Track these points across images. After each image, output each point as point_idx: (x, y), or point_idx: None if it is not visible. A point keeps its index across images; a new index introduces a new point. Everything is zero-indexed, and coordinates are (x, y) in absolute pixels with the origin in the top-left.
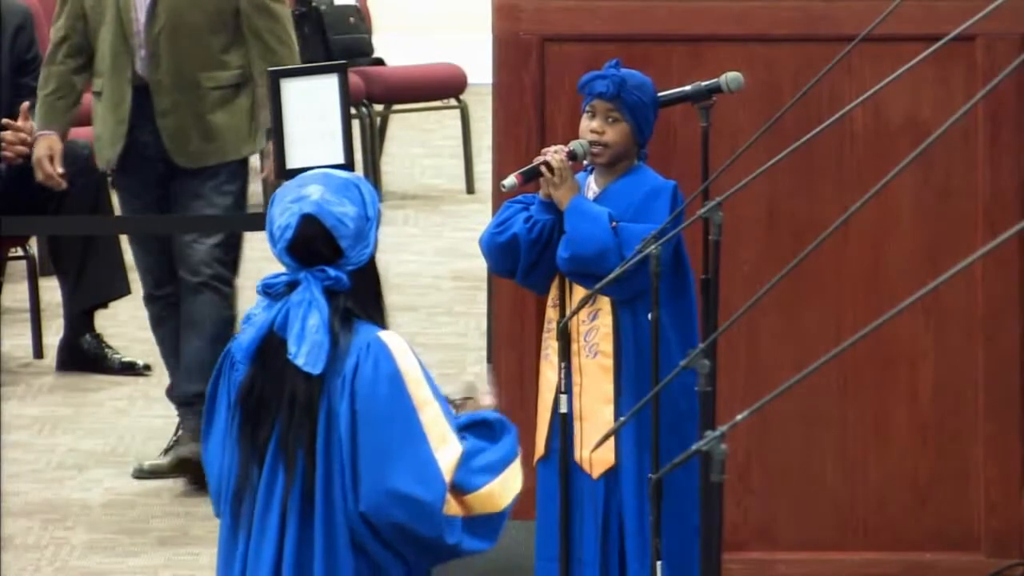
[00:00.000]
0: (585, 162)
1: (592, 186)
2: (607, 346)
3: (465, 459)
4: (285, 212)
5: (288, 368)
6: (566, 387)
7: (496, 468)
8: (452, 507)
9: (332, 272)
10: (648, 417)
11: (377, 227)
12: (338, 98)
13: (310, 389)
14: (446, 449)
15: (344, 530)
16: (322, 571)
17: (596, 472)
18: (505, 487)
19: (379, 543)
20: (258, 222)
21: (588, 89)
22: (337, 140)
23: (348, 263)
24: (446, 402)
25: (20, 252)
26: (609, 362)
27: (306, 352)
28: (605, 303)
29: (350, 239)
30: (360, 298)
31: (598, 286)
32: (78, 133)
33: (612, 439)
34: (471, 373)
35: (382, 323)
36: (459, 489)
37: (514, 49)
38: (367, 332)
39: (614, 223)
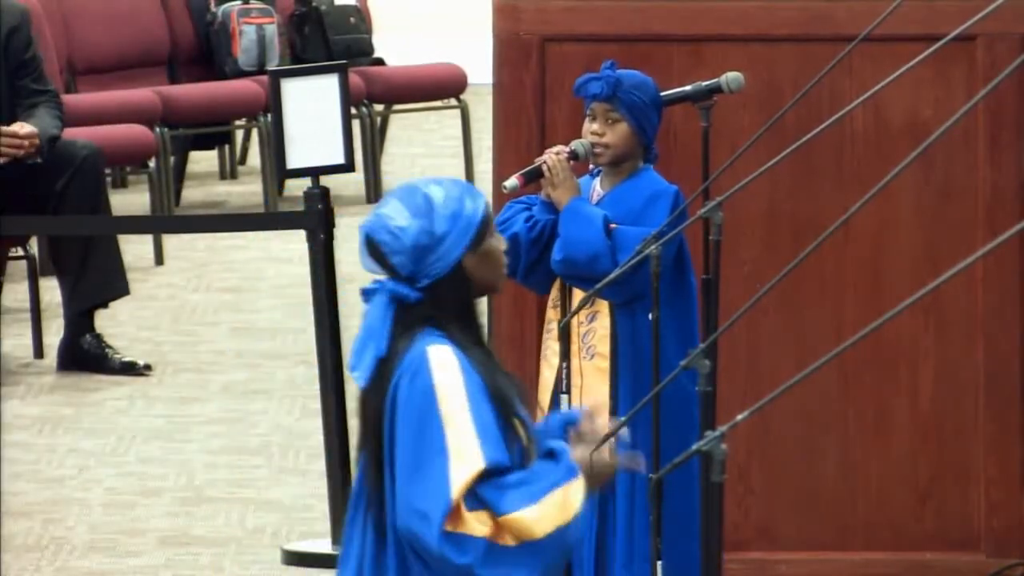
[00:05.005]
0: (590, 164)
1: (597, 188)
2: (604, 348)
3: (511, 483)
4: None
5: None
6: (566, 387)
7: (536, 495)
8: (469, 526)
9: (391, 284)
10: (642, 420)
11: (471, 235)
12: (338, 98)
13: (369, 400)
14: (463, 466)
15: None
16: None
17: None
18: (542, 514)
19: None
20: (257, 222)
21: (584, 91)
22: (337, 140)
23: (418, 275)
24: (490, 414)
25: (20, 252)
26: (606, 364)
27: (360, 364)
28: (603, 305)
29: (404, 255)
30: (443, 308)
31: (597, 287)
32: (77, 133)
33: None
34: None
35: (469, 333)
36: (492, 509)
37: (514, 49)
38: (419, 345)
39: (612, 226)
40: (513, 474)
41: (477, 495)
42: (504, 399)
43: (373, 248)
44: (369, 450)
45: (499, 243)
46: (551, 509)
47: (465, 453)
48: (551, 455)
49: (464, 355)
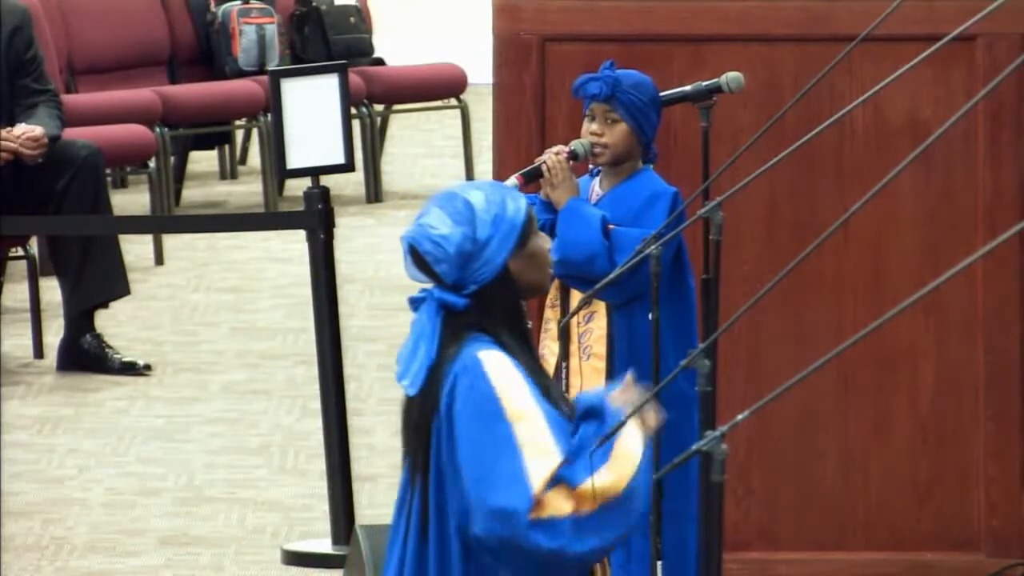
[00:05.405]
0: (590, 164)
1: (596, 189)
2: (600, 348)
3: (573, 454)
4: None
5: None
6: (565, 387)
7: (601, 456)
8: (552, 507)
9: (438, 292)
10: None
11: (515, 237)
12: (338, 98)
13: (416, 408)
14: (543, 461)
15: (456, 543)
16: None
17: None
18: (612, 472)
19: (500, 563)
20: (257, 222)
21: (583, 92)
22: (337, 140)
23: (464, 282)
24: (553, 409)
25: (20, 252)
26: (602, 364)
27: (409, 372)
28: (600, 306)
29: (449, 263)
30: (491, 313)
31: (595, 288)
32: (77, 133)
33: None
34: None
35: (516, 338)
36: (570, 485)
37: (514, 49)
38: (469, 351)
39: (610, 227)
40: (565, 457)
41: (552, 478)
42: (553, 403)
43: (417, 258)
44: (414, 456)
45: (544, 242)
46: (619, 463)
47: (542, 447)
48: (591, 413)
49: (514, 359)
